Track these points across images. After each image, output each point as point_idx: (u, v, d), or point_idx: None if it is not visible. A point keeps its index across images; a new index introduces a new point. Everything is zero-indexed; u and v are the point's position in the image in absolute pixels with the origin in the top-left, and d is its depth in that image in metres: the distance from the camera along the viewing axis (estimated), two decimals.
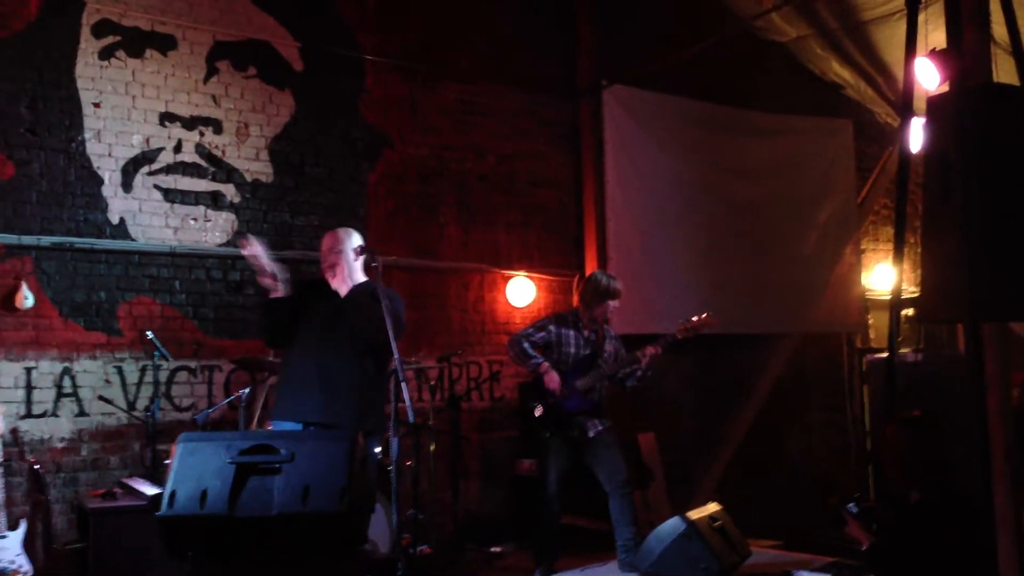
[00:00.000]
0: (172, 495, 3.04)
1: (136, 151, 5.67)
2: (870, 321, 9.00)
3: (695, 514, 4.92)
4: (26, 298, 5.17)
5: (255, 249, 4.06)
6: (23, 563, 4.63)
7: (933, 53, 4.56)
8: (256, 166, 6.09)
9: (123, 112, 5.63)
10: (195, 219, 5.85)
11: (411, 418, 3.76)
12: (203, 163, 5.90)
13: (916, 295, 4.10)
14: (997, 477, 3.97)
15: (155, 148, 5.74)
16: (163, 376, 5.61)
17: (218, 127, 5.96)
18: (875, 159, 8.90)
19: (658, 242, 7.41)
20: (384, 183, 6.60)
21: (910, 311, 6.83)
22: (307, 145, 6.28)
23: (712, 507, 5.16)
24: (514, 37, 7.30)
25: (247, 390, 5.25)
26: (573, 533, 5.73)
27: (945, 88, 4.46)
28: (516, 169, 7.25)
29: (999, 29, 4.47)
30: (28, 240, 5.26)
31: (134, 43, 5.70)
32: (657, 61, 7.18)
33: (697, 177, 7.60)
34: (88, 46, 5.55)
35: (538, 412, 5.18)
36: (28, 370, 5.24)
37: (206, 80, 5.94)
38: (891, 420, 3.61)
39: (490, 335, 6.99)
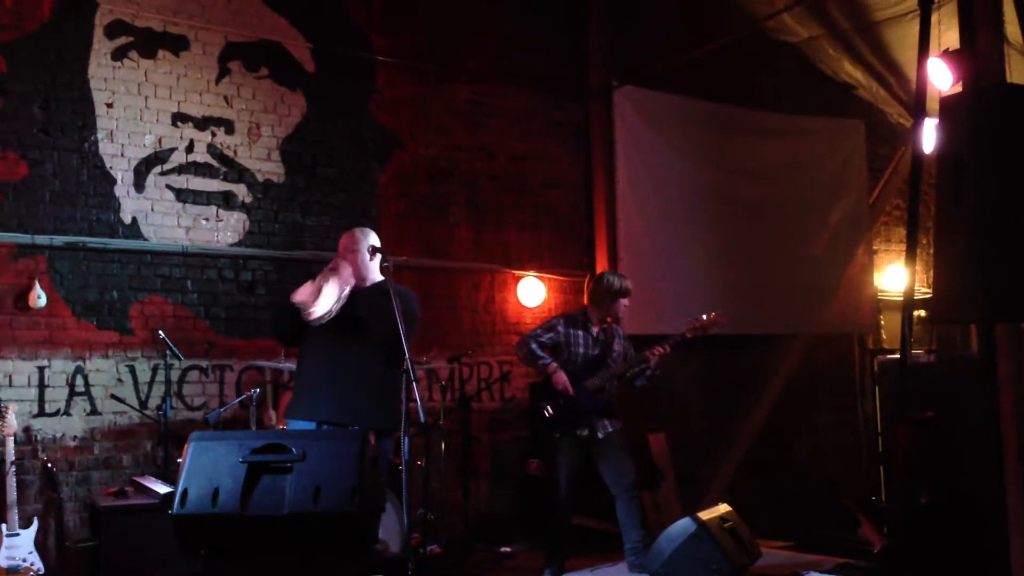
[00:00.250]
0: (184, 494, 3.05)
1: (148, 151, 5.69)
2: (882, 322, 8.96)
3: (706, 515, 4.91)
4: (39, 297, 5.20)
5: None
6: (35, 561, 4.66)
7: (946, 53, 4.55)
8: (268, 166, 6.10)
9: (135, 112, 5.66)
10: (207, 219, 5.87)
11: (422, 418, 3.76)
12: (215, 163, 5.92)
13: (929, 296, 4.09)
14: (1010, 478, 3.96)
15: (167, 148, 5.76)
16: (175, 375, 5.63)
17: (230, 127, 5.98)
18: (887, 159, 8.86)
19: (668, 242, 7.40)
20: (395, 183, 6.61)
21: (923, 312, 6.80)
22: (318, 145, 6.30)
23: (723, 508, 5.14)
24: (524, 38, 7.30)
25: (258, 389, 5.27)
26: (583, 533, 5.72)
27: (958, 89, 4.45)
28: (527, 169, 7.25)
29: (1012, 29, 4.46)
30: (41, 240, 5.29)
31: (147, 44, 5.72)
32: (667, 62, 7.17)
33: (708, 178, 7.58)
34: (101, 47, 5.57)
35: (548, 413, 5.18)
36: (41, 369, 5.27)
37: (218, 80, 5.96)
38: (903, 421, 3.60)
39: (500, 335, 6.99)
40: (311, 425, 4.03)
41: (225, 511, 3.02)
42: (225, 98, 5.98)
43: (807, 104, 8.18)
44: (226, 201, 5.94)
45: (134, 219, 5.62)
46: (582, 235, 7.50)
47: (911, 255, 4.69)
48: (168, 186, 5.75)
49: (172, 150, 5.77)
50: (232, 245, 5.94)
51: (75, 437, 5.34)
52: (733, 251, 7.57)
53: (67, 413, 5.32)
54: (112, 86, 5.59)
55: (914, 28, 5.30)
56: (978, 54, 4.32)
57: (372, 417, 4.00)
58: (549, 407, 5.18)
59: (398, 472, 4.16)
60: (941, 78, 4.88)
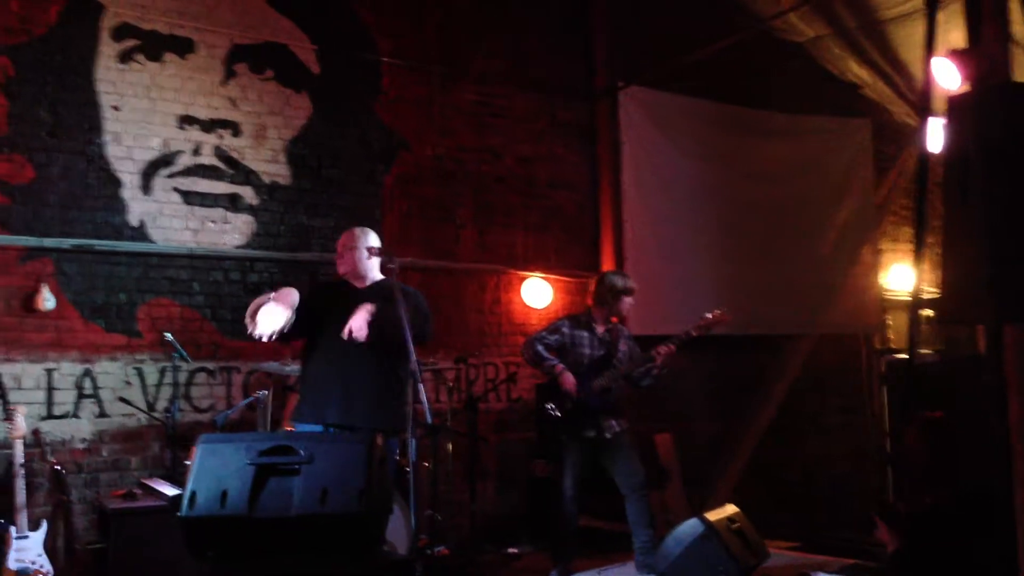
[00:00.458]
0: (192, 496, 3.06)
1: (155, 154, 5.71)
2: (888, 322, 8.95)
3: (713, 515, 4.90)
4: (47, 300, 5.21)
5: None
6: (44, 563, 4.67)
7: (952, 52, 4.54)
8: (274, 168, 6.12)
9: (142, 115, 5.67)
10: (213, 221, 5.88)
11: (429, 419, 3.76)
12: (221, 165, 5.93)
13: (936, 296, 4.08)
14: (1018, 479, 3.94)
15: (174, 151, 5.77)
16: (182, 377, 5.65)
17: (236, 130, 5.99)
18: (893, 159, 8.84)
19: (675, 243, 7.40)
20: (400, 185, 6.62)
21: (930, 312, 6.78)
22: (324, 147, 6.31)
23: (730, 508, 5.14)
24: (530, 39, 7.31)
25: (265, 392, 5.28)
26: (590, 534, 5.73)
27: (965, 88, 4.44)
28: (533, 171, 7.25)
29: (1018, 28, 4.44)
30: (49, 242, 5.31)
31: (153, 46, 5.73)
32: (673, 62, 7.16)
33: (714, 178, 7.58)
34: (107, 50, 5.59)
35: (555, 414, 5.18)
36: (49, 371, 5.29)
37: (224, 83, 5.97)
38: (912, 422, 3.60)
39: (507, 336, 7.00)
40: (318, 428, 4.04)
41: (233, 513, 3.03)
42: (231, 100, 5.99)
43: (813, 104, 8.18)
44: (232, 203, 5.95)
45: (141, 221, 5.64)
46: (588, 236, 7.49)
47: (918, 255, 4.68)
48: (175, 188, 5.77)
49: (178, 152, 5.79)
50: (239, 247, 5.95)
51: (83, 439, 5.35)
52: (739, 251, 7.57)
53: (75, 415, 5.34)
54: (119, 89, 5.61)
55: (920, 27, 5.29)
56: (984, 53, 4.30)
57: (378, 419, 4.01)
58: (556, 408, 5.18)
59: (405, 474, 4.17)
60: (947, 77, 4.86)
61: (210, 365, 5.78)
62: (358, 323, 3.95)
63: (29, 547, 4.65)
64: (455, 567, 5.65)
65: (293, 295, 4.04)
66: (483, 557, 5.92)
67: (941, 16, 4.69)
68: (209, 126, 5.90)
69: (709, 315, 5.13)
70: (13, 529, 4.65)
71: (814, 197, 8.12)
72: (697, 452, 7.38)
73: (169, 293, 5.69)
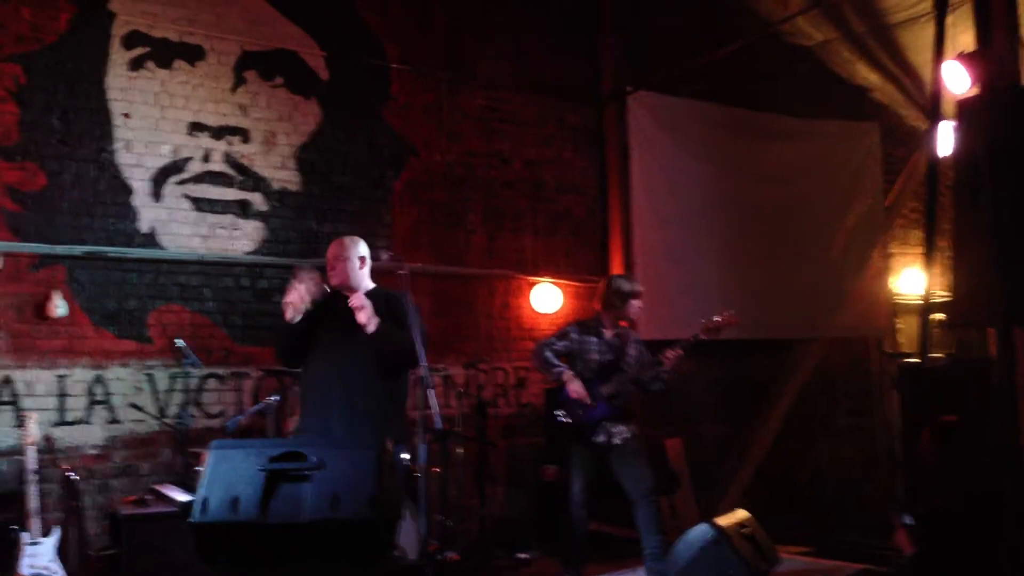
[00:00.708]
0: (204, 502, 3.07)
1: (165, 161, 5.74)
2: (899, 325, 8.92)
3: (724, 520, 4.89)
4: (59, 307, 5.24)
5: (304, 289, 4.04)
6: (57, 569, 4.68)
7: (961, 56, 4.53)
8: (283, 174, 6.14)
9: (152, 122, 5.70)
10: (223, 227, 5.91)
11: (438, 425, 3.76)
12: (231, 172, 5.95)
13: (946, 299, 4.07)
14: None
15: (184, 158, 5.80)
16: (193, 383, 5.67)
17: (246, 136, 6.02)
18: (903, 162, 8.83)
19: (684, 247, 7.39)
20: (409, 190, 6.64)
21: (940, 315, 6.76)
22: (333, 153, 6.32)
23: (741, 513, 5.13)
24: (538, 43, 7.32)
25: (276, 397, 5.29)
26: (600, 539, 5.72)
27: (974, 91, 4.43)
28: (541, 175, 7.26)
29: None
30: (60, 249, 5.34)
31: (163, 54, 5.77)
32: (682, 66, 7.17)
33: (723, 182, 7.57)
34: (118, 57, 5.62)
35: (564, 419, 5.18)
36: (61, 378, 5.31)
37: (234, 90, 6.00)
38: (928, 427, 3.59)
39: (516, 341, 7.00)
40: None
41: (245, 519, 3.04)
42: (241, 107, 6.02)
43: (822, 107, 8.17)
44: (242, 209, 5.98)
45: (152, 228, 5.66)
46: (597, 240, 7.50)
47: (928, 258, 4.68)
48: (185, 195, 5.79)
49: (189, 159, 5.82)
50: (248, 253, 5.97)
51: (95, 445, 5.37)
52: (749, 255, 7.56)
53: (87, 422, 5.36)
54: (129, 96, 5.64)
55: (929, 30, 5.28)
56: (994, 56, 4.30)
57: (380, 430, 3.98)
58: (565, 413, 5.18)
59: (415, 479, 4.17)
60: (957, 80, 4.86)
61: (221, 371, 5.80)
62: (364, 317, 3.97)
63: (42, 553, 4.67)
64: (465, 572, 5.65)
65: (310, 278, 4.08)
66: (493, 562, 5.91)
67: (950, 19, 4.69)
68: (219, 133, 5.92)
69: (718, 318, 5.12)
70: (26, 535, 4.67)
71: (823, 201, 8.11)
72: (707, 456, 7.37)
73: (180, 299, 5.72)
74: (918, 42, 7.02)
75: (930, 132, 5.18)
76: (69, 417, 5.31)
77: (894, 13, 6.88)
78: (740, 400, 7.73)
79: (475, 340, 6.79)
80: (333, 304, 4.18)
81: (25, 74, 5.32)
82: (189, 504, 3.17)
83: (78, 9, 5.50)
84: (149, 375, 5.57)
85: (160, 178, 5.72)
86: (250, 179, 6.01)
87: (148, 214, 5.66)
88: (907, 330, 8.90)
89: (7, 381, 5.17)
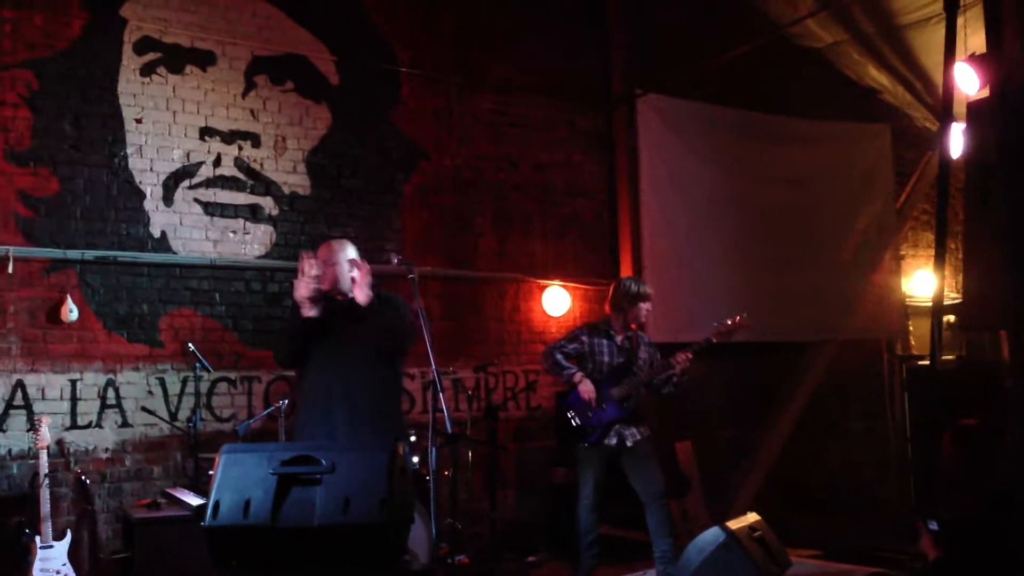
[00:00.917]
0: (216, 505, 3.07)
1: (177, 165, 5.77)
2: (910, 328, 8.89)
3: (735, 524, 4.88)
4: (71, 311, 5.27)
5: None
6: (69, 572, 4.71)
7: (972, 57, 4.52)
8: (294, 179, 6.16)
9: (164, 127, 5.73)
10: (234, 232, 5.93)
11: (449, 428, 3.76)
12: (242, 176, 5.98)
13: (958, 301, 4.05)
14: None
15: (195, 162, 5.83)
16: (204, 387, 5.68)
17: (256, 141, 6.04)
18: (914, 164, 8.80)
19: (694, 250, 7.38)
20: (419, 194, 6.65)
21: (952, 317, 6.74)
22: (343, 157, 6.34)
23: (751, 517, 5.11)
24: (547, 47, 7.32)
25: (286, 400, 5.30)
26: (610, 543, 5.70)
27: (985, 93, 4.42)
28: (551, 178, 7.27)
29: None
30: (73, 254, 5.37)
31: (174, 59, 5.80)
32: (691, 69, 7.16)
33: (733, 185, 7.56)
34: (130, 63, 5.65)
35: (574, 422, 5.18)
36: (73, 382, 5.34)
37: (244, 95, 6.02)
38: (949, 430, 3.56)
39: (526, 344, 7.00)
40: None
41: (256, 523, 3.04)
42: (251, 112, 6.04)
43: (832, 109, 8.14)
44: (253, 214, 6.00)
45: (163, 233, 5.69)
46: (606, 243, 7.50)
47: (939, 260, 4.65)
48: (196, 200, 5.82)
49: (200, 164, 5.84)
50: (259, 257, 5.99)
51: (107, 449, 5.40)
52: (759, 258, 7.54)
53: (99, 425, 5.39)
54: (141, 101, 5.67)
55: (940, 32, 5.26)
56: (1005, 58, 4.28)
57: (381, 431, 3.98)
58: (576, 416, 5.18)
59: (426, 482, 4.16)
60: (968, 82, 4.84)
61: (231, 375, 5.82)
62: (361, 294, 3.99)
63: (54, 556, 4.69)
64: (476, 575, 5.65)
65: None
66: (503, 565, 5.92)
67: (961, 20, 4.67)
68: (229, 137, 5.95)
69: (729, 321, 5.12)
70: (38, 539, 4.69)
71: (834, 203, 8.09)
72: (718, 459, 7.36)
73: (191, 303, 5.74)
74: (928, 44, 6.99)
75: (941, 134, 5.15)
76: (81, 421, 5.34)
77: (904, 15, 6.86)
78: (751, 403, 7.71)
79: (485, 343, 6.79)
80: (328, 307, 4.18)
81: (38, 80, 5.36)
82: (202, 508, 3.18)
83: (90, 16, 5.53)
84: (160, 379, 5.59)
85: (171, 183, 5.75)
86: (261, 183, 6.04)
87: (159, 219, 5.69)
88: (919, 332, 8.86)
89: (20, 385, 5.20)
